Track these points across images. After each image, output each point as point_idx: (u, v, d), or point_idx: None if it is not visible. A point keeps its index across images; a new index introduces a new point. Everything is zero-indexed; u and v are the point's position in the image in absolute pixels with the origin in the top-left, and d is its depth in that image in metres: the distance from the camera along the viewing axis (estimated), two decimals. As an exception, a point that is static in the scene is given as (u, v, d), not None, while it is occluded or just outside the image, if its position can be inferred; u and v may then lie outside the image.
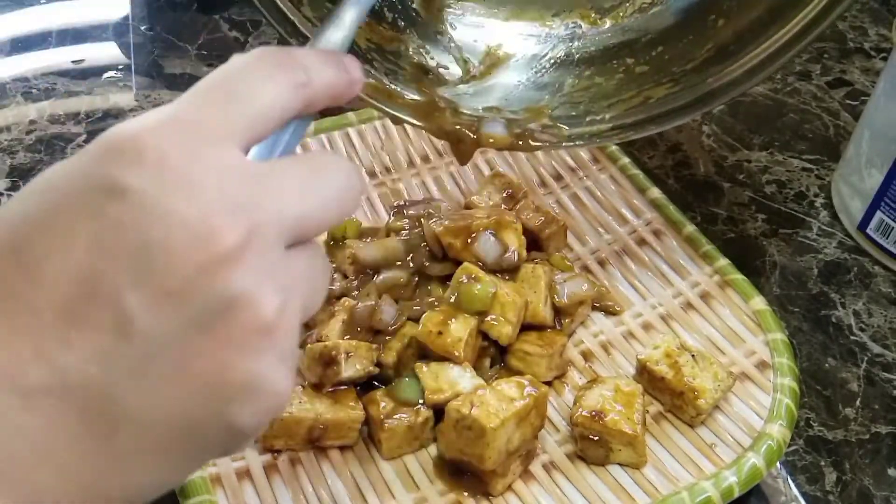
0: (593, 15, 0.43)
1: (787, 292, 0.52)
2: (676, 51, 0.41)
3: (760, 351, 0.44)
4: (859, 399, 0.46)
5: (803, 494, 0.42)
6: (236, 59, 0.24)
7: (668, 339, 0.43)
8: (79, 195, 0.20)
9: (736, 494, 0.39)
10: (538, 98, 0.42)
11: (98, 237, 0.20)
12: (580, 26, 0.43)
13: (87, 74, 0.66)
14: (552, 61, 0.43)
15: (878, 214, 0.53)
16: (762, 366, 0.44)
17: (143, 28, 0.71)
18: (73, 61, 0.67)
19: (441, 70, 0.42)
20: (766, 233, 0.56)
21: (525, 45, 0.44)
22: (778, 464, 0.43)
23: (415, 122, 0.40)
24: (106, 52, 0.68)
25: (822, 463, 0.43)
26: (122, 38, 0.70)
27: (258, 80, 0.24)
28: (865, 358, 0.48)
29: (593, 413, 0.40)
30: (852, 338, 0.50)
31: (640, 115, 0.40)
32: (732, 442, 0.41)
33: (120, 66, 0.67)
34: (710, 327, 0.46)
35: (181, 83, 0.65)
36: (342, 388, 0.40)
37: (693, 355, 0.42)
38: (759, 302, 0.46)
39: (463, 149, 0.41)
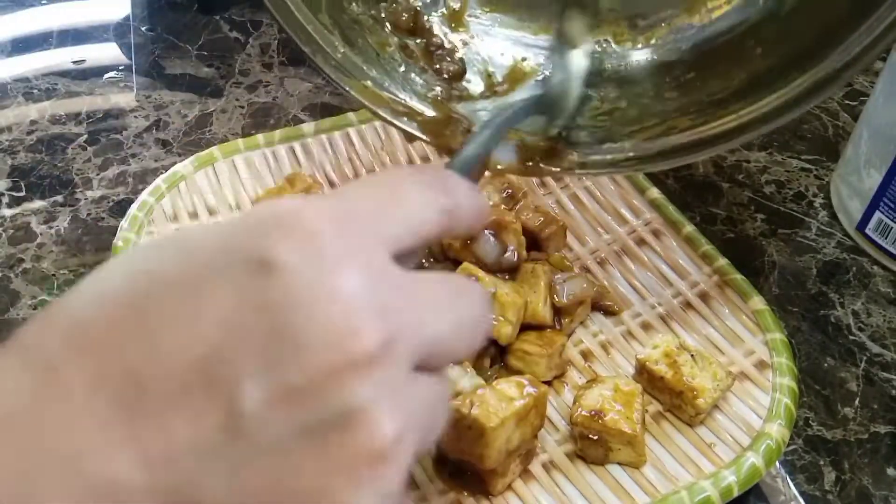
0: (627, 33, 0.41)
1: (786, 292, 0.52)
2: (708, 78, 0.39)
3: (759, 351, 0.44)
4: (858, 399, 0.46)
5: (802, 494, 0.42)
6: (394, 170, 0.24)
7: (667, 338, 0.43)
8: (223, 260, 0.19)
9: (735, 494, 0.39)
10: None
11: (233, 312, 0.18)
12: (611, 44, 0.41)
13: (87, 75, 0.66)
14: None
15: (877, 214, 0.53)
16: (761, 365, 0.44)
17: (143, 28, 0.71)
18: (73, 62, 0.67)
19: (464, 83, 0.41)
20: (765, 233, 0.56)
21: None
22: (777, 463, 0.43)
23: (425, 138, 0.39)
24: (107, 52, 0.69)
25: (822, 462, 0.43)
26: (123, 38, 0.70)
27: (415, 193, 0.23)
28: (864, 358, 0.49)
29: (593, 412, 0.40)
30: (851, 337, 0.50)
31: (659, 146, 0.38)
32: (731, 441, 0.41)
33: (121, 67, 0.67)
34: (710, 327, 0.46)
35: (182, 84, 0.65)
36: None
37: (692, 355, 0.42)
38: (758, 302, 0.46)
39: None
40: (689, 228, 0.50)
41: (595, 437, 0.40)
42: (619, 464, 0.40)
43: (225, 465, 0.18)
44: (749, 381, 0.43)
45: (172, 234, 0.21)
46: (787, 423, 0.41)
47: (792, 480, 0.43)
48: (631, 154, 0.39)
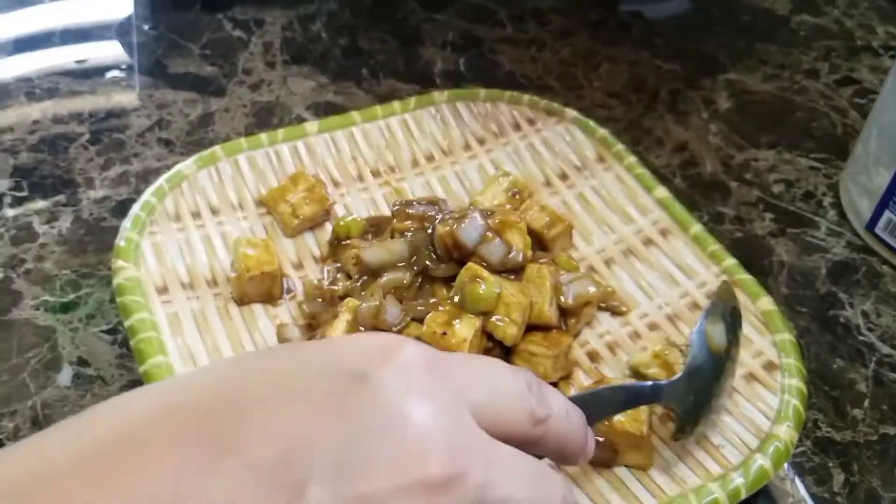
0: None
1: (795, 292, 0.51)
2: None
3: (768, 352, 0.44)
4: (868, 400, 0.46)
5: (811, 496, 0.42)
6: (498, 361, 0.25)
7: (653, 337, 0.43)
8: (324, 366, 0.21)
9: (743, 496, 0.38)
10: None
11: (319, 412, 0.20)
12: None
13: (90, 74, 0.65)
14: None
15: (887, 214, 0.52)
16: (769, 367, 0.43)
17: (146, 27, 0.70)
18: (76, 61, 0.67)
19: None
20: (773, 232, 0.55)
21: None
22: (786, 465, 0.42)
23: None
24: (109, 51, 0.68)
25: (831, 464, 0.43)
26: (126, 37, 0.69)
27: (511, 384, 0.24)
28: (874, 358, 0.48)
29: None
30: (860, 338, 0.49)
31: None
32: (739, 443, 0.40)
33: (123, 66, 0.66)
34: None
35: (185, 83, 0.65)
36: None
37: (681, 349, 0.42)
38: (766, 302, 0.45)
39: None
40: (696, 228, 0.49)
41: (602, 440, 0.39)
42: (627, 466, 0.40)
43: None
44: (757, 383, 0.43)
45: (276, 346, 0.23)
46: (795, 425, 0.40)
47: (801, 482, 0.42)
48: None
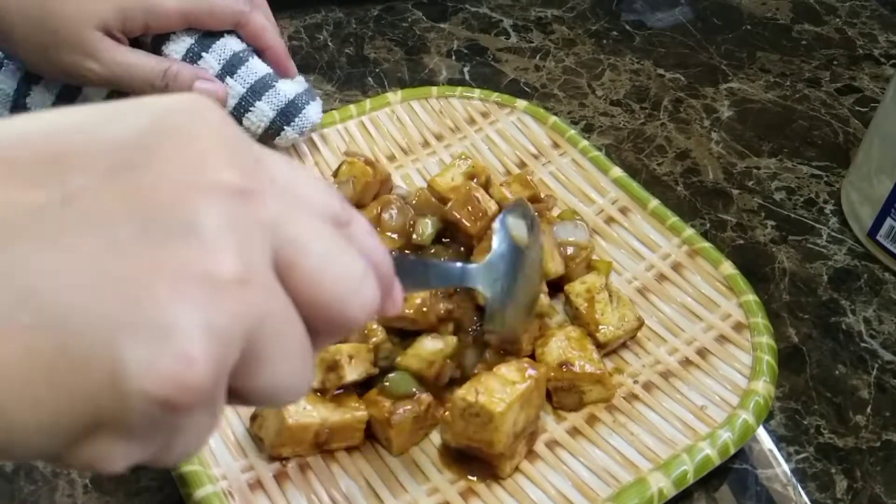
0: None
1: (797, 299, 0.52)
2: None
3: (735, 313, 0.46)
4: (870, 406, 0.46)
5: (814, 502, 0.42)
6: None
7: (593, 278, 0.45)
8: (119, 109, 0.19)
9: (732, 451, 0.40)
10: None
11: (107, 128, 0.18)
12: None
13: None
14: None
15: (889, 221, 0.52)
16: (738, 327, 0.45)
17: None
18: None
19: None
20: (775, 239, 0.55)
21: None
22: (788, 471, 0.42)
23: None
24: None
25: (833, 471, 0.43)
26: (134, 46, 0.70)
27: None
28: (876, 365, 0.48)
29: (561, 365, 0.41)
30: (863, 345, 0.49)
31: None
32: (721, 402, 0.42)
33: (131, 74, 0.67)
34: (685, 295, 0.47)
35: (191, 90, 0.65)
36: (340, 390, 0.40)
37: (611, 294, 0.44)
38: (727, 267, 0.47)
39: None
40: (654, 203, 0.51)
41: (568, 387, 0.41)
42: (594, 406, 0.42)
43: (51, 226, 0.17)
44: (730, 343, 0.44)
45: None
46: (771, 379, 0.42)
47: (803, 489, 0.42)
48: None
